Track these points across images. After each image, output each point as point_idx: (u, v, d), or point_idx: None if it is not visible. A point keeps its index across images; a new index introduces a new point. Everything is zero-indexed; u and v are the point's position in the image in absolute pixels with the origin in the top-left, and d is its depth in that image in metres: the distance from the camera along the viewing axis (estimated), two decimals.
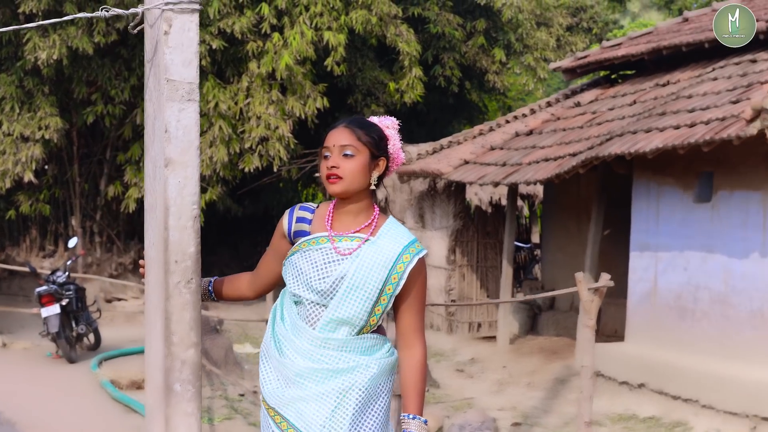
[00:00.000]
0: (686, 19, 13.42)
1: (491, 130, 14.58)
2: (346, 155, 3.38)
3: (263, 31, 16.07)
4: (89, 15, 3.59)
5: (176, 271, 3.60)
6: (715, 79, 10.56)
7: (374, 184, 3.45)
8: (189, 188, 3.62)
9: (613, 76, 14.10)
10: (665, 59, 12.27)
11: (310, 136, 17.52)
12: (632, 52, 12.51)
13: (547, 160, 11.74)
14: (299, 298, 3.42)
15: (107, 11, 3.52)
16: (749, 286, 9.13)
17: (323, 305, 3.39)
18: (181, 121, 3.60)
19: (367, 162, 3.41)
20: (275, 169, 16.37)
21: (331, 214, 3.48)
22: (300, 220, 3.50)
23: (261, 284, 3.68)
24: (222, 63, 16.59)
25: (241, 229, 21.96)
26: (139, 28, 3.73)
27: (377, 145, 3.44)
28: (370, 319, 3.41)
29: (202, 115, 16.22)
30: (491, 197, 16.63)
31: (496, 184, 12.61)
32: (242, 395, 10.56)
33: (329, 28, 15.86)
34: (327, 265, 3.39)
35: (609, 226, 13.28)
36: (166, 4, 3.54)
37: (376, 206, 3.51)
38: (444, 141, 15.02)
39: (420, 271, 3.44)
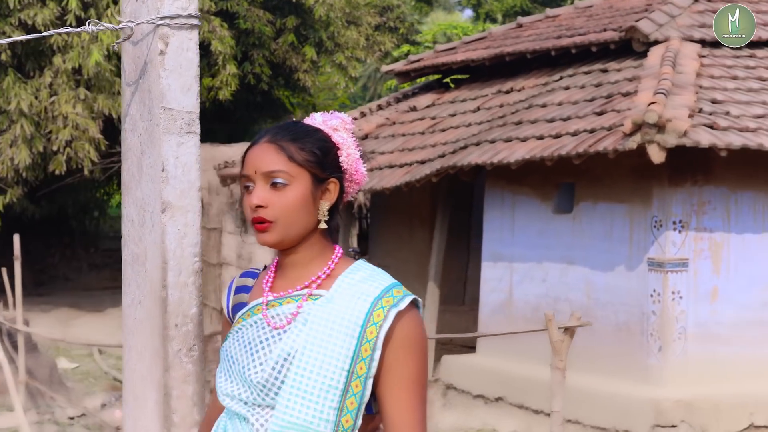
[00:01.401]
0: (520, 25, 13.41)
1: None
2: (275, 185, 2.30)
3: (68, 23, 15.11)
4: (74, 30, 2.94)
5: (176, 336, 3.00)
6: (567, 88, 10.52)
7: (324, 220, 2.35)
8: (190, 237, 3.02)
9: (444, 80, 13.94)
10: (506, 65, 12.19)
11: (119, 135, 16.63)
12: (473, 57, 12.37)
13: (391, 166, 11.43)
14: (236, 400, 2.33)
15: (95, 26, 2.88)
16: (613, 299, 9.10)
17: (269, 407, 2.29)
18: (180, 158, 3.00)
19: (309, 190, 2.32)
20: (86, 172, 15.46)
21: (273, 271, 2.42)
22: (240, 290, 2.47)
23: None
24: (22, 56, 15.58)
25: (34, 229, 20.72)
26: (118, 42, 3.11)
27: (321, 162, 2.33)
28: (342, 420, 2.27)
29: (1, 112, 15.16)
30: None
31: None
32: (72, 418, 9.89)
33: None
34: (260, 344, 2.31)
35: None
36: (162, 18, 2.93)
37: (337, 247, 2.40)
38: None
39: (405, 333, 2.27)
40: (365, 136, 13.07)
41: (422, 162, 10.94)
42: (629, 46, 10.44)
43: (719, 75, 9.53)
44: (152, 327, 3.04)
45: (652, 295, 8.71)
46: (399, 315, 2.26)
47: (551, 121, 9.64)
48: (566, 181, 9.66)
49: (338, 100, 23.56)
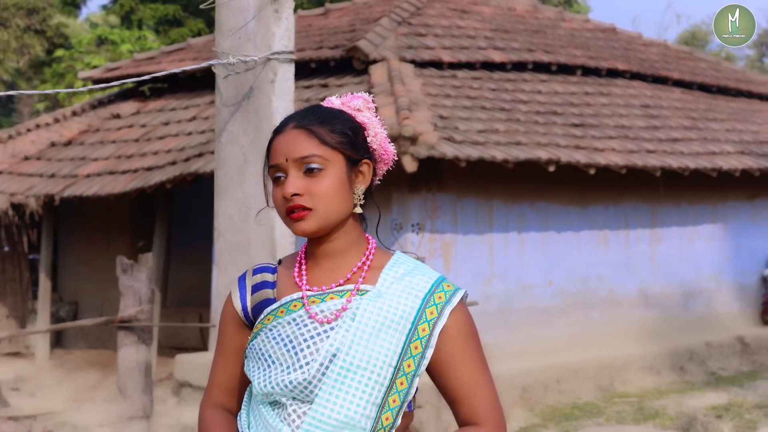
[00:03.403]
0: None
1: (10, 137, 13.88)
2: (311, 171, 2.21)
3: None
4: (213, 63, 3.35)
5: None
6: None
7: (360, 204, 2.29)
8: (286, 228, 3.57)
9: (141, 89, 14.15)
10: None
11: None
12: (185, 67, 12.73)
13: (112, 173, 11.58)
14: (274, 397, 2.24)
15: (233, 59, 3.34)
16: None
17: (307, 401, 2.21)
18: None
19: (345, 173, 2.24)
20: None
21: (303, 264, 2.32)
22: (258, 287, 2.33)
23: (237, 406, 2.39)
24: None
25: None
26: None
27: (353, 142, 2.26)
28: (383, 417, 2.20)
29: None
30: (7, 208, 15.72)
31: (48, 198, 12.08)
32: None
33: None
34: (305, 342, 2.22)
35: (141, 237, 13.47)
36: (273, 54, 3.47)
37: (369, 237, 2.35)
38: None
39: (462, 326, 2.24)
40: (69, 142, 13.05)
41: (149, 169, 11.21)
42: (348, 64, 11.36)
43: (436, 93, 10.70)
44: None
45: None
46: (456, 311, 2.24)
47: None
48: None
49: None
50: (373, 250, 2.31)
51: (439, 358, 2.21)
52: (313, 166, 2.20)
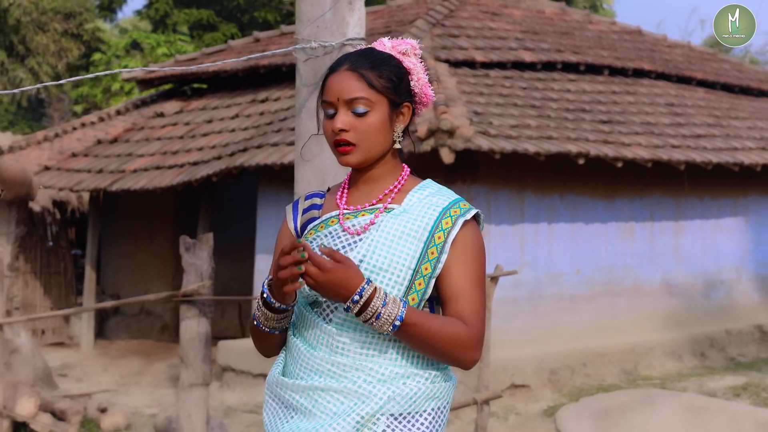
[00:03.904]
0: (258, 40, 14.51)
1: (57, 136, 14.47)
2: (357, 112, 2.55)
3: None
4: (296, 48, 3.87)
5: None
6: None
7: (399, 141, 2.63)
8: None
9: (182, 89, 14.69)
10: (259, 76, 13.24)
11: None
12: (227, 68, 13.31)
13: (159, 168, 12.11)
14: (313, 297, 2.59)
15: (315, 44, 3.85)
16: None
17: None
18: None
19: (387, 115, 2.57)
20: None
21: (346, 187, 2.67)
22: (308, 209, 2.71)
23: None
24: None
25: None
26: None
27: (397, 88, 2.59)
28: None
29: None
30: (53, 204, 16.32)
31: (96, 192, 12.65)
32: None
33: None
34: (339, 250, 2.55)
35: (183, 231, 13.97)
36: (347, 39, 3.96)
37: (405, 166, 2.68)
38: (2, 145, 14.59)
39: (470, 238, 2.55)
40: (114, 140, 13.61)
41: (195, 164, 11.74)
42: None
43: (470, 91, 11.19)
44: None
45: None
46: (465, 223, 2.55)
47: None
48: None
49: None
50: (405, 177, 2.64)
51: (447, 263, 2.53)
52: (360, 108, 2.54)
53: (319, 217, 2.64)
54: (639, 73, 13.93)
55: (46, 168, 13.36)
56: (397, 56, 2.62)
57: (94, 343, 13.89)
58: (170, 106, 14.03)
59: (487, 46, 12.60)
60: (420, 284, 2.50)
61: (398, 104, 2.58)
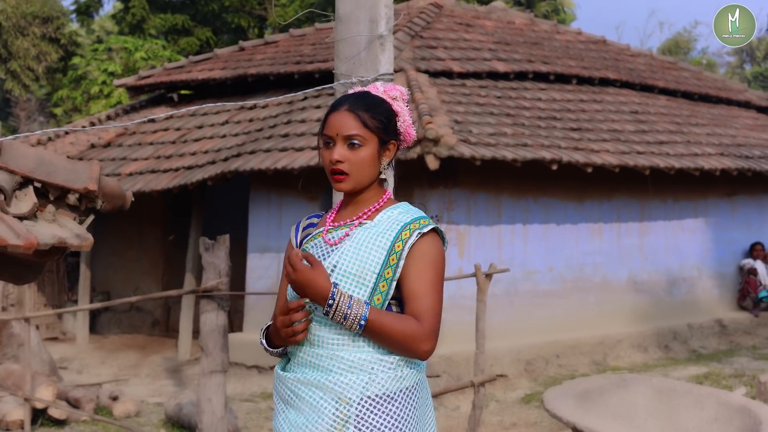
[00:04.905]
0: (242, 49, 15.17)
1: (50, 140, 15.03)
2: (353, 145, 2.99)
3: None
4: (337, 84, 4.60)
5: None
6: (318, 107, 12.43)
7: (384, 171, 3.08)
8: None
9: (169, 95, 15.30)
10: (246, 84, 13.90)
11: None
12: (215, 76, 13.95)
13: (154, 171, 12.73)
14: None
15: (353, 80, 4.59)
16: None
17: None
18: None
19: (377, 150, 3.02)
20: None
21: (335, 210, 3.15)
22: (306, 227, 3.19)
23: None
24: None
25: None
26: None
27: (386, 128, 3.04)
28: None
29: None
30: None
31: None
32: None
33: None
34: (320, 258, 3.00)
35: (171, 231, 14.66)
36: (379, 75, 4.71)
37: (387, 191, 3.14)
38: None
39: (425, 248, 2.96)
40: (108, 144, 14.22)
41: (189, 168, 12.39)
42: None
43: (449, 100, 11.95)
44: None
45: None
46: (422, 236, 2.97)
47: (317, 134, 11.52)
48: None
49: None
50: (385, 200, 3.10)
51: (404, 268, 2.95)
52: (355, 142, 2.98)
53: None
54: (605, 82, 14.78)
55: None
56: (388, 100, 3.08)
57: (89, 338, 14.48)
58: (160, 112, 14.63)
59: (463, 57, 13.37)
60: (383, 286, 2.93)
61: (386, 141, 3.03)
